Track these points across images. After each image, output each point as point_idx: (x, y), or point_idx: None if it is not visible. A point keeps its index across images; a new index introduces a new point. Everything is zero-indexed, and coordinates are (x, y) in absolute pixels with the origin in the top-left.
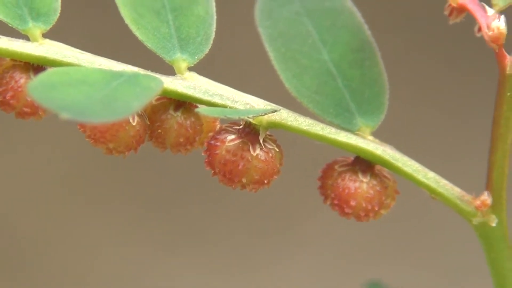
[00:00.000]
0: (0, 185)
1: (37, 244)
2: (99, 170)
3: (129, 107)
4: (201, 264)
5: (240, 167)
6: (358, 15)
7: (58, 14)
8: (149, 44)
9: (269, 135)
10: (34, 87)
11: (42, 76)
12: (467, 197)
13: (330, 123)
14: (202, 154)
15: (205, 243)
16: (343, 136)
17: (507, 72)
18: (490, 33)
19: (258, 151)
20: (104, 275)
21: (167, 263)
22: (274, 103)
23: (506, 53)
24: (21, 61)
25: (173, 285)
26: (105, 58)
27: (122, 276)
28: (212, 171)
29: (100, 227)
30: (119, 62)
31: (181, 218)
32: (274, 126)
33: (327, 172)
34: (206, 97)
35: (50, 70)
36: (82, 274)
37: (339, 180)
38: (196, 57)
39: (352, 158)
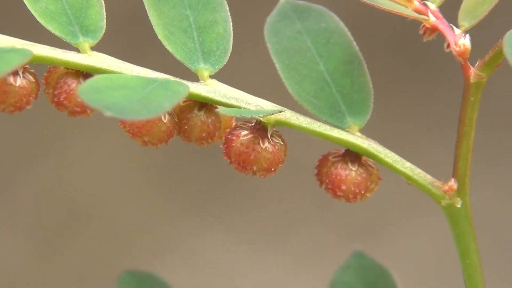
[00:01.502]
0: (96, 173)
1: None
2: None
3: (161, 107)
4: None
5: (251, 157)
6: (348, 34)
7: (104, 31)
8: (178, 56)
9: (276, 131)
10: (83, 90)
11: (90, 81)
12: (437, 183)
13: (326, 122)
14: (221, 146)
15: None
16: (336, 133)
17: (471, 81)
18: (457, 49)
19: (266, 144)
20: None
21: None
22: (279, 105)
23: (470, 65)
24: (73, 69)
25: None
26: (142, 67)
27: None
28: (229, 161)
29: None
30: (154, 71)
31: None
32: (280, 124)
33: (323, 162)
34: (224, 100)
35: (96, 77)
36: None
37: (332, 169)
38: (216, 67)
39: (343, 151)
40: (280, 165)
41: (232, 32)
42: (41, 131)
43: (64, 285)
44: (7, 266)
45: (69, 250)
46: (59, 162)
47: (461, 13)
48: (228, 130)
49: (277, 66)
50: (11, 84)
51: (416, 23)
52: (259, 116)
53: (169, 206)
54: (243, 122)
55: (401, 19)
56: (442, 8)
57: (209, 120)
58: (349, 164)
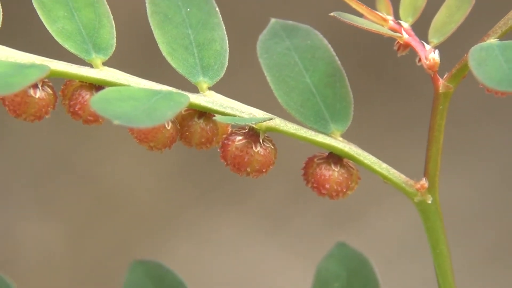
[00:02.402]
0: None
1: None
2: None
3: (164, 116)
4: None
5: (245, 160)
6: (331, 50)
7: (114, 48)
8: (180, 70)
9: (267, 137)
10: (95, 101)
11: (101, 93)
12: (410, 182)
13: (311, 128)
14: (218, 150)
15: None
16: (320, 137)
17: (440, 91)
18: (428, 63)
19: (258, 148)
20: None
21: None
22: (270, 113)
23: (439, 77)
24: (87, 83)
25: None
26: (148, 80)
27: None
28: (225, 163)
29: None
30: (158, 84)
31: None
32: (270, 130)
33: (308, 164)
34: (221, 109)
35: (107, 89)
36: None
37: (317, 169)
38: (214, 80)
39: (326, 153)
40: (271, 167)
41: (228, 48)
42: (76, 127)
43: (94, 265)
44: (45, 246)
45: (98, 233)
46: (92, 158)
47: (431, 31)
48: (224, 135)
49: (268, 78)
50: (31, 96)
51: (391, 40)
52: (251, 123)
53: (185, 194)
54: (238, 129)
55: (378, 37)
56: (414, 27)
57: (208, 127)
58: (332, 166)
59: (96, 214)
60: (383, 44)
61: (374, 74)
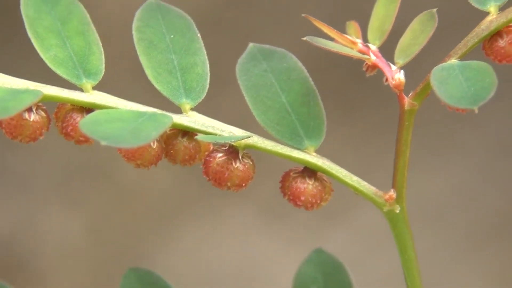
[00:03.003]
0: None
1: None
2: None
3: (150, 136)
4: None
5: (226, 175)
6: (305, 71)
7: (103, 74)
8: (164, 92)
9: (246, 153)
10: (84, 123)
11: (90, 115)
12: (380, 193)
13: (287, 144)
14: (201, 166)
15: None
16: (295, 153)
17: (405, 108)
18: (394, 82)
19: (238, 164)
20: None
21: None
22: (248, 131)
23: (404, 96)
24: (78, 106)
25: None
26: (134, 103)
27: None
28: (207, 178)
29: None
30: (144, 105)
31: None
32: (249, 147)
33: (285, 177)
34: (203, 128)
35: (96, 112)
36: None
37: (293, 183)
38: (196, 101)
39: (301, 168)
40: (249, 181)
41: (208, 71)
42: None
43: (111, 254)
44: (65, 237)
45: (114, 225)
46: (109, 158)
47: (396, 53)
48: (206, 153)
49: (247, 99)
50: (26, 119)
51: (360, 61)
52: (231, 141)
53: (192, 190)
54: (218, 146)
55: (348, 59)
56: (381, 49)
57: (191, 145)
58: (307, 179)
59: (113, 208)
60: (354, 66)
61: (345, 94)
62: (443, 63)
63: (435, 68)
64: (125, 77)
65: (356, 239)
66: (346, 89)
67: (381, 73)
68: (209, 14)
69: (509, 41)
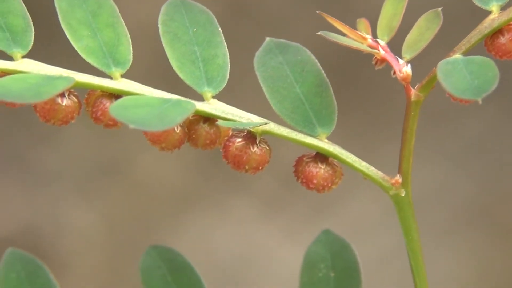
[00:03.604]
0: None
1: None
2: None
3: (174, 121)
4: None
5: (244, 159)
6: (318, 64)
7: (131, 63)
8: (188, 81)
9: (263, 139)
10: (114, 108)
11: (119, 101)
12: (386, 177)
13: (301, 131)
14: (220, 150)
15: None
16: (309, 139)
17: (412, 100)
18: (401, 75)
19: (255, 148)
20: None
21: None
22: (265, 118)
23: (411, 88)
24: (107, 92)
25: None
26: (160, 90)
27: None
28: (227, 161)
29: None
30: (169, 93)
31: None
32: (265, 133)
33: (298, 162)
34: (223, 115)
35: (124, 98)
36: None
37: (306, 167)
38: (217, 90)
39: (314, 153)
40: (266, 165)
41: (229, 63)
42: (114, 131)
43: (127, 243)
44: (85, 229)
45: (130, 217)
46: (126, 156)
47: (404, 48)
48: (226, 138)
49: (264, 89)
50: (59, 104)
51: (369, 56)
52: (249, 127)
53: (201, 183)
54: (237, 132)
55: (355, 58)
56: (389, 44)
57: (212, 131)
58: (319, 164)
59: (127, 201)
60: (362, 59)
61: (356, 85)
62: (448, 58)
63: (440, 62)
64: (152, 67)
65: (346, 230)
66: (345, 88)
67: (386, 71)
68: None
69: (510, 38)
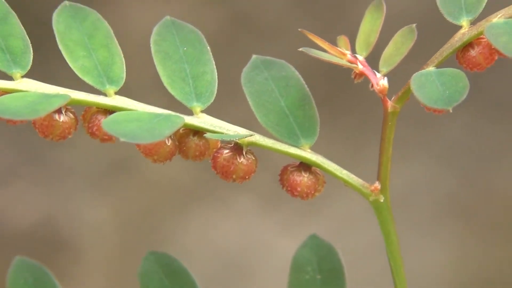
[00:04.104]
0: None
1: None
2: None
3: (163, 134)
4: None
5: (231, 169)
6: (301, 79)
7: (124, 81)
8: (178, 97)
9: (249, 150)
10: (106, 123)
11: (111, 116)
12: (366, 184)
13: (285, 142)
14: (209, 161)
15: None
16: (293, 150)
17: (389, 111)
18: (378, 87)
19: (242, 159)
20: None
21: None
22: (252, 130)
23: (388, 99)
24: (102, 108)
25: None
26: (151, 106)
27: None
28: (216, 171)
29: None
30: (159, 108)
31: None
32: (252, 144)
33: (283, 171)
34: (211, 128)
35: (117, 113)
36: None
37: (291, 176)
38: (205, 105)
39: (298, 163)
40: (252, 174)
41: (216, 79)
42: None
43: (139, 238)
44: (99, 225)
45: (142, 213)
46: (138, 156)
47: (381, 62)
48: (214, 149)
49: (250, 103)
50: (56, 120)
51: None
52: (236, 139)
53: (207, 182)
54: (225, 144)
55: (334, 72)
56: (367, 59)
57: (201, 143)
58: (302, 173)
59: (136, 197)
60: (342, 75)
61: (346, 92)
62: (422, 70)
63: (414, 74)
64: (144, 85)
65: (335, 225)
66: (332, 98)
67: (363, 84)
68: (216, 35)
69: (479, 51)
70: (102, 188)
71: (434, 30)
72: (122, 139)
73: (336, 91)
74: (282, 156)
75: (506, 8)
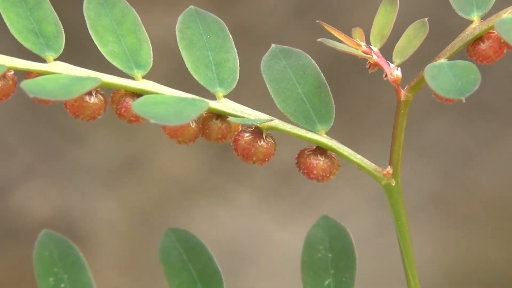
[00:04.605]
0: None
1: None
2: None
3: (189, 117)
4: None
5: (252, 151)
6: (317, 68)
7: (151, 65)
8: (202, 82)
9: (269, 134)
10: (136, 105)
11: (140, 99)
12: (379, 169)
13: (302, 127)
14: (231, 144)
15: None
16: (310, 135)
17: (402, 99)
18: (392, 77)
19: (262, 142)
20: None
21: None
22: (271, 115)
23: (401, 89)
24: (130, 91)
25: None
26: (177, 90)
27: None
28: (236, 154)
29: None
30: (185, 92)
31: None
32: (271, 129)
33: (300, 155)
34: (233, 112)
35: (145, 96)
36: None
37: (307, 159)
38: (228, 90)
39: (314, 147)
40: (271, 157)
41: (238, 66)
42: (136, 132)
43: (149, 230)
44: (112, 220)
45: (152, 207)
46: (147, 154)
47: (394, 53)
48: (236, 132)
49: (270, 89)
50: (87, 101)
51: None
52: (257, 123)
53: (211, 177)
54: (246, 127)
55: (349, 64)
56: (381, 50)
57: (223, 126)
58: (319, 156)
59: (144, 191)
60: (349, 69)
61: (344, 89)
62: (434, 62)
63: (428, 65)
64: (170, 70)
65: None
66: (339, 90)
67: (368, 79)
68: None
69: (489, 45)
70: (113, 185)
71: (446, 24)
72: (152, 121)
73: (339, 85)
74: (280, 156)
75: None
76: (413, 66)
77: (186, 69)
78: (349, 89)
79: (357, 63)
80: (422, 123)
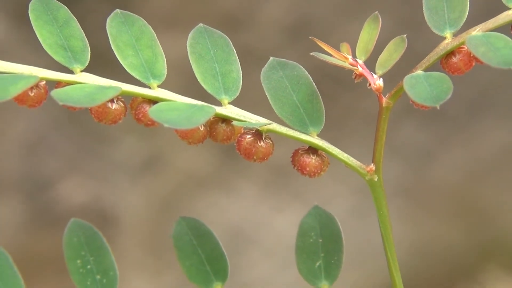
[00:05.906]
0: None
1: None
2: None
3: (199, 121)
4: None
5: (253, 151)
6: (310, 78)
7: (165, 76)
8: (209, 91)
9: (268, 135)
10: (152, 111)
11: (156, 106)
12: (363, 166)
13: (297, 130)
14: (234, 144)
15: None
16: (303, 136)
17: (383, 106)
18: (375, 86)
19: (261, 143)
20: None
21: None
22: (269, 119)
23: (383, 96)
24: (147, 99)
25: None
26: (188, 98)
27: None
28: (239, 153)
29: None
30: (195, 100)
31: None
32: (270, 131)
33: (295, 154)
34: (237, 117)
35: (160, 103)
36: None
37: (301, 158)
38: (232, 97)
39: (307, 147)
40: (270, 156)
41: (241, 76)
42: (155, 134)
43: (168, 220)
44: (130, 202)
45: (170, 198)
46: (165, 153)
47: (377, 65)
48: (239, 134)
49: (268, 97)
50: (109, 107)
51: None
52: (257, 126)
53: (220, 171)
54: (248, 130)
55: (334, 74)
56: (365, 62)
57: (228, 129)
58: (311, 155)
59: (162, 185)
60: (335, 82)
61: (330, 98)
62: (412, 73)
63: (406, 76)
64: (181, 80)
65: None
66: (324, 99)
67: (351, 90)
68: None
69: (460, 58)
70: (138, 178)
71: (422, 40)
72: (166, 125)
73: (325, 95)
74: (278, 154)
75: (483, 24)
76: (394, 76)
77: (198, 82)
78: (334, 99)
79: (340, 78)
80: (393, 127)
